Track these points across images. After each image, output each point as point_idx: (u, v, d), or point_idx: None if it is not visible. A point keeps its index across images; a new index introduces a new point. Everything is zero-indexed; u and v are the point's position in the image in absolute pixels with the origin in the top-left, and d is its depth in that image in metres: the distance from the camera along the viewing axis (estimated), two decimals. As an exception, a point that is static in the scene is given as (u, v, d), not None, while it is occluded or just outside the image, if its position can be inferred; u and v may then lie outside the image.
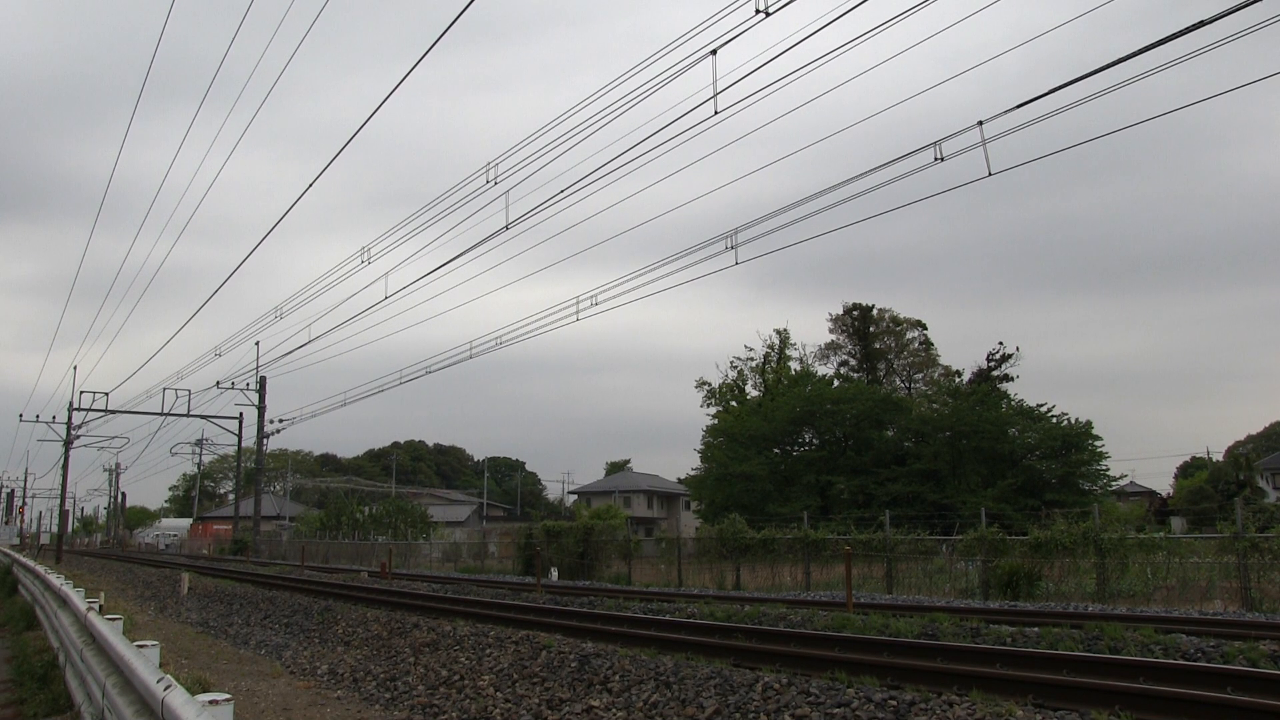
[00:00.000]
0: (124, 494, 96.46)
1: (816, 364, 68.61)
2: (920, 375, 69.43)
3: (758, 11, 10.79)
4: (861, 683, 8.56)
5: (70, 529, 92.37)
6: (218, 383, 47.45)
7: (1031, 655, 9.48)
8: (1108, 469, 49.50)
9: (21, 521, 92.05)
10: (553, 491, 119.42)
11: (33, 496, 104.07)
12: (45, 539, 72.67)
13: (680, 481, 71.96)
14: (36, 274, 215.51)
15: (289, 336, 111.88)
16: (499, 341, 25.52)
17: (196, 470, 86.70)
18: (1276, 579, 18.21)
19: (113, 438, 63.37)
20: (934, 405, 56.96)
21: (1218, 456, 73.83)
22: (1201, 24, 9.06)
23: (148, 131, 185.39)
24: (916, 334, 70.18)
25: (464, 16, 9.47)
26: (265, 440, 51.14)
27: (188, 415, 48.40)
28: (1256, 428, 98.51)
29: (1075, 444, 48.35)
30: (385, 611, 17.25)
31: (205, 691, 5.29)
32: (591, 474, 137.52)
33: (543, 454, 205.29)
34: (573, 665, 10.66)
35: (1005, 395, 55.01)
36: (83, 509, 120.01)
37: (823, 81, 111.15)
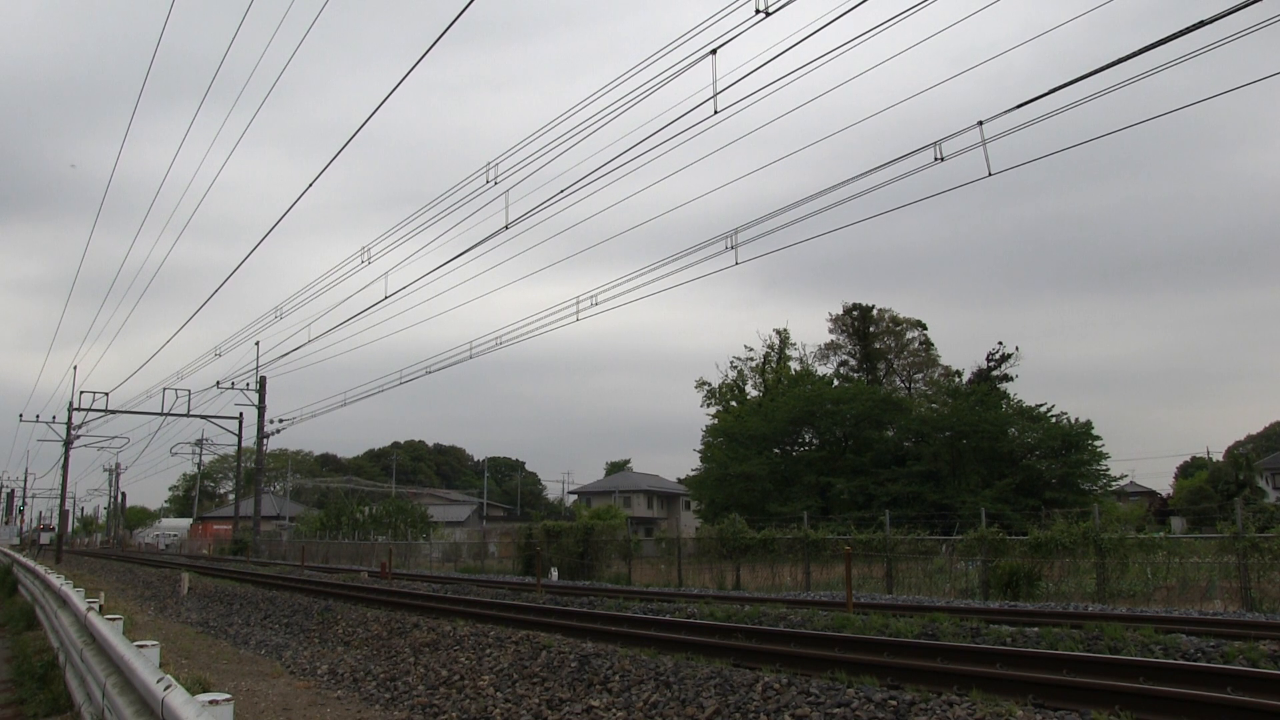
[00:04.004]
0: (124, 494, 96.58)
1: (816, 364, 68.67)
2: (920, 375, 69.42)
3: (758, 11, 10.79)
4: (861, 683, 8.56)
5: (70, 529, 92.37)
6: (218, 383, 47.50)
7: (1031, 655, 9.48)
8: (1108, 469, 49.57)
9: (21, 522, 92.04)
10: (553, 491, 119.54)
11: (33, 496, 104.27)
12: (45, 539, 72.64)
13: (680, 481, 71.95)
14: (37, 274, 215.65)
15: (289, 336, 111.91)
16: (499, 341, 25.56)
17: (196, 470, 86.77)
18: (1276, 579, 18.20)
19: (113, 438, 63.55)
20: (934, 405, 56.95)
21: (1218, 456, 73.75)
22: (1202, 24, 9.06)
23: (149, 130, 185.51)
24: (916, 334, 70.19)
25: (469, 16, 9.47)
26: (265, 440, 51.15)
27: (188, 415, 48.45)
28: (1256, 428, 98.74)
29: (1075, 444, 48.35)
30: (385, 611, 17.25)
31: (205, 691, 5.29)
32: (591, 474, 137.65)
33: (543, 454, 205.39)
34: (573, 665, 10.66)
35: (1005, 395, 55.01)
36: (83, 509, 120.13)
37: (823, 81, 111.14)
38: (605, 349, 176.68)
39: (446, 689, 10.82)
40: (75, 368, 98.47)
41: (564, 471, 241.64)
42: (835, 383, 62.87)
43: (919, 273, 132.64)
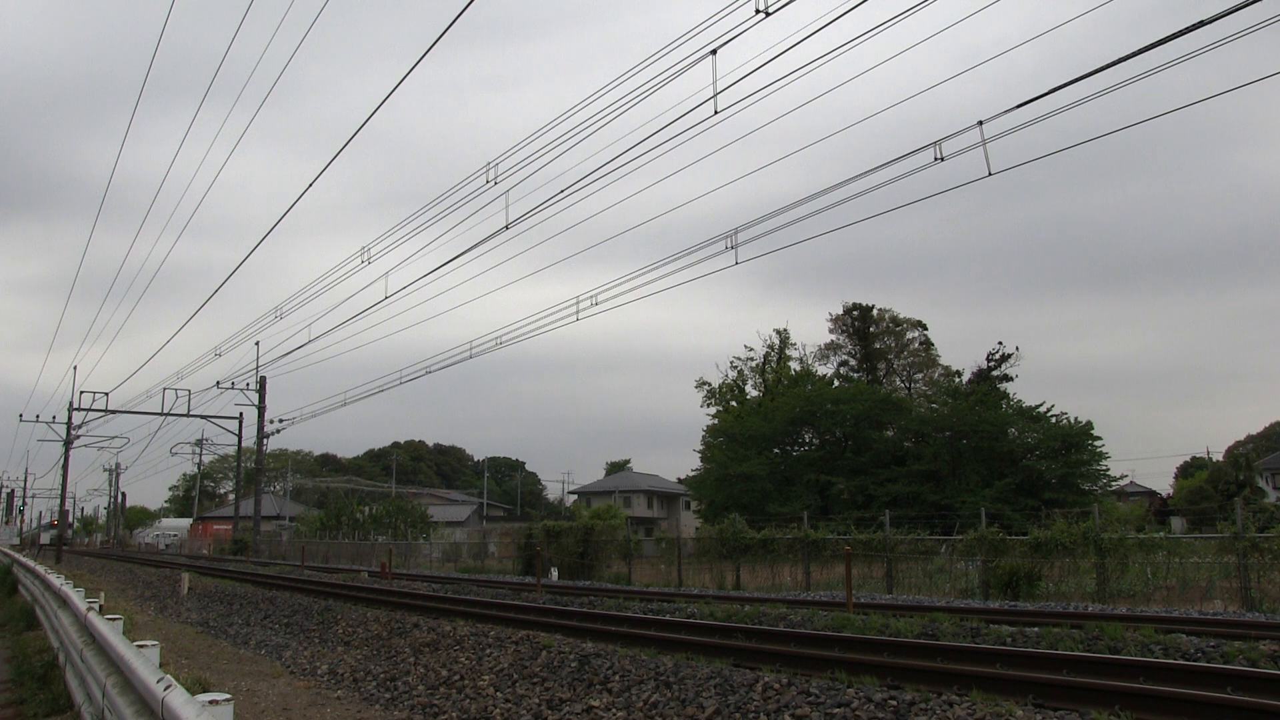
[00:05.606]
0: (124, 494, 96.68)
1: (816, 364, 68.65)
2: (920, 375, 69.40)
3: (758, 11, 10.79)
4: (861, 683, 8.56)
5: (70, 529, 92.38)
6: (218, 383, 47.52)
7: (1031, 655, 9.48)
8: (1108, 469, 49.47)
9: (21, 522, 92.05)
10: (553, 491, 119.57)
11: (33, 496, 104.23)
12: (45, 538, 72.71)
13: (680, 481, 71.90)
14: (37, 273, 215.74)
15: (289, 336, 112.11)
16: (499, 341, 25.55)
17: (196, 470, 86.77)
18: (1276, 579, 18.21)
19: (113, 438, 63.54)
20: (934, 405, 56.93)
21: (1218, 456, 73.76)
22: (1201, 24, 9.06)
23: (149, 130, 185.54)
24: (916, 334, 70.18)
25: (470, 16, 9.47)
26: (265, 440, 51.15)
27: (188, 415, 48.45)
28: (1256, 428, 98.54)
29: (1075, 444, 48.31)
30: (385, 611, 17.25)
31: (205, 691, 5.29)
32: (591, 474, 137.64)
33: (543, 454, 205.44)
34: (573, 665, 10.66)
35: (1005, 395, 54.98)
36: (83, 509, 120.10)
37: (823, 81, 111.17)
38: (605, 349, 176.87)
39: (446, 689, 10.82)
40: (75, 368, 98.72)
41: (564, 471, 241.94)
42: (835, 383, 62.84)
43: (919, 273, 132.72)
